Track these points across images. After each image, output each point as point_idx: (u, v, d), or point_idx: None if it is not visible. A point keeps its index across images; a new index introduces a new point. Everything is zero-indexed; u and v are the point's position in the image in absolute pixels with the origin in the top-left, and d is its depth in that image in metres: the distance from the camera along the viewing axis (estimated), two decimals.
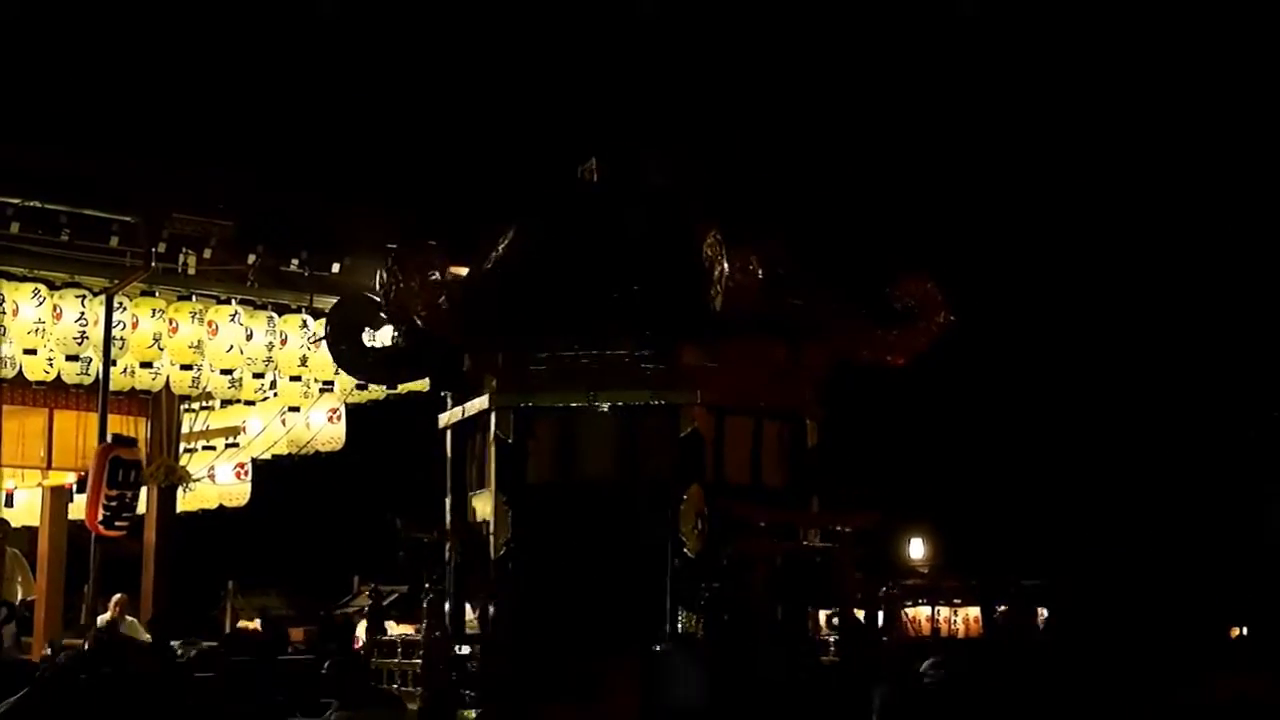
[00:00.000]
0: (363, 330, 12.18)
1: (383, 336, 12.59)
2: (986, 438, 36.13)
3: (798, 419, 11.70)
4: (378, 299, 11.51)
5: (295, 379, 19.45)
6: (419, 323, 11.25)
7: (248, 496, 22.21)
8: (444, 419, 12.09)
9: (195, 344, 18.32)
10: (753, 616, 10.88)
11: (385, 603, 21.00)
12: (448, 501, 11.90)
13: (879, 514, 11.77)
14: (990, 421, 36.49)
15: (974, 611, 29.88)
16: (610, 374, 11.12)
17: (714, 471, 11.08)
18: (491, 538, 11.11)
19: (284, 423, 20.89)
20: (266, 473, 22.28)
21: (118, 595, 18.71)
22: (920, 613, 30.35)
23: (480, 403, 11.40)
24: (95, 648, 14.90)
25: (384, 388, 19.22)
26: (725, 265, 10.45)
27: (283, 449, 21.38)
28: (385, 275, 11.17)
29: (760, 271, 10.49)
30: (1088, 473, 35.67)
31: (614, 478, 11.25)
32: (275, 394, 20.05)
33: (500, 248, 11.63)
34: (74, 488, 20.29)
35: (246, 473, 22.00)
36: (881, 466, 32.93)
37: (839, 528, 11.34)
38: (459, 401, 11.86)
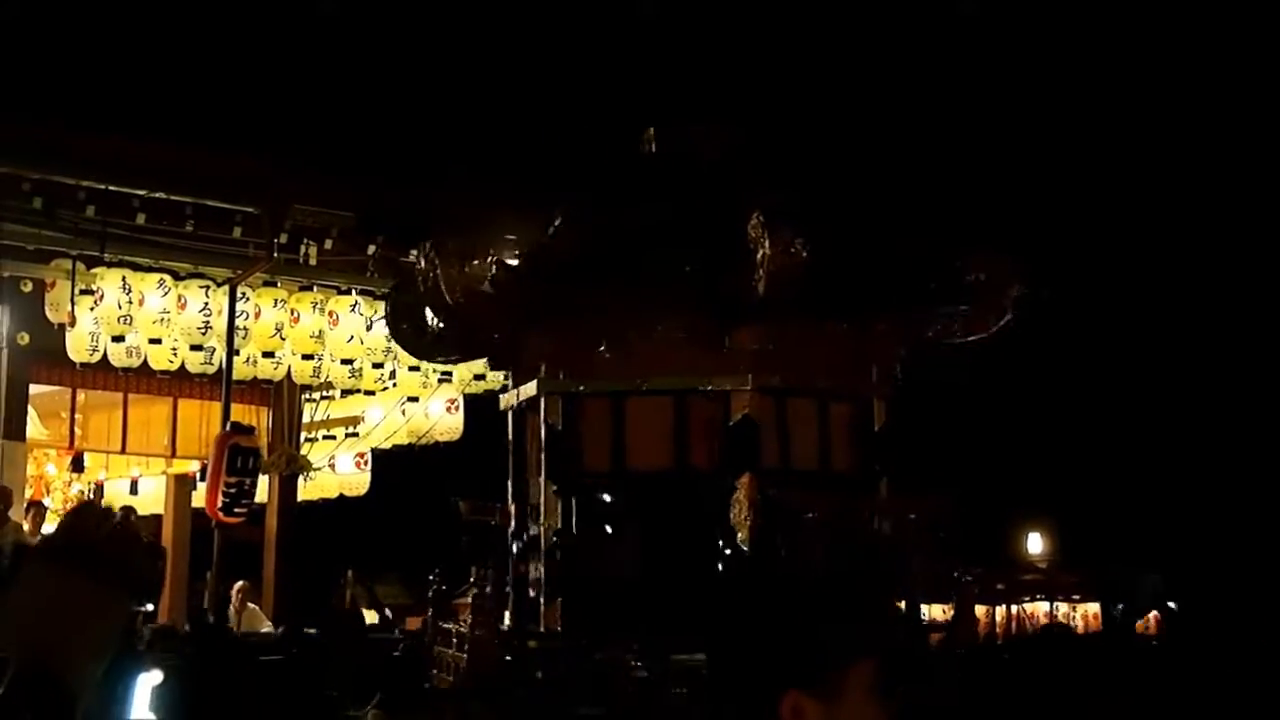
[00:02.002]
0: (424, 310, 12.05)
1: None
2: (1112, 426, 35.58)
3: (865, 400, 11.39)
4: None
5: (414, 369, 19.62)
6: (456, 308, 11.02)
7: (368, 485, 22.38)
8: (504, 401, 11.91)
9: (316, 334, 18.53)
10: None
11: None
12: (509, 485, 11.74)
13: (950, 498, 11.38)
14: (1115, 409, 35.92)
15: (1093, 608, 29.56)
16: (660, 359, 10.84)
17: (777, 457, 10.77)
18: (542, 526, 10.89)
19: (403, 413, 21.03)
20: (386, 462, 22.44)
21: (240, 582, 18.96)
22: (1038, 608, 30.09)
23: (531, 388, 11.20)
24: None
25: (501, 376, 19.32)
26: (768, 247, 10.16)
27: (402, 439, 21.53)
28: (422, 262, 10.99)
29: (805, 252, 10.17)
30: (1222, 465, 34.93)
31: (666, 466, 10.94)
32: (394, 384, 20.23)
33: (548, 230, 11.41)
34: (197, 475, 20.57)
35: (366, 462, 22.17)
36: (998, 458, 32.60)
37: (905, 513, 11.00)
38: (517, 384, 11.67)
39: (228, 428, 17.66)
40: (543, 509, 10.92)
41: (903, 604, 11.39)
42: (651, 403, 10.90)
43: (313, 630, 16.66)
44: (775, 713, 2.54)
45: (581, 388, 10.98)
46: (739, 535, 10.48)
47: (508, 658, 10.62)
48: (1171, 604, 27.47)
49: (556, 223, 11.34)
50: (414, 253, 18.48)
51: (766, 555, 10.24)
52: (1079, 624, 29.76)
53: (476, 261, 10.67)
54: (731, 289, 10.46)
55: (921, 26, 33.24)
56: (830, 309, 10.83)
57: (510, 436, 11.79)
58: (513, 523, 11.50)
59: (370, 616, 21.43)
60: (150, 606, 14.65)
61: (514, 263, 10.89)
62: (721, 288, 10.55)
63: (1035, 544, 35.19)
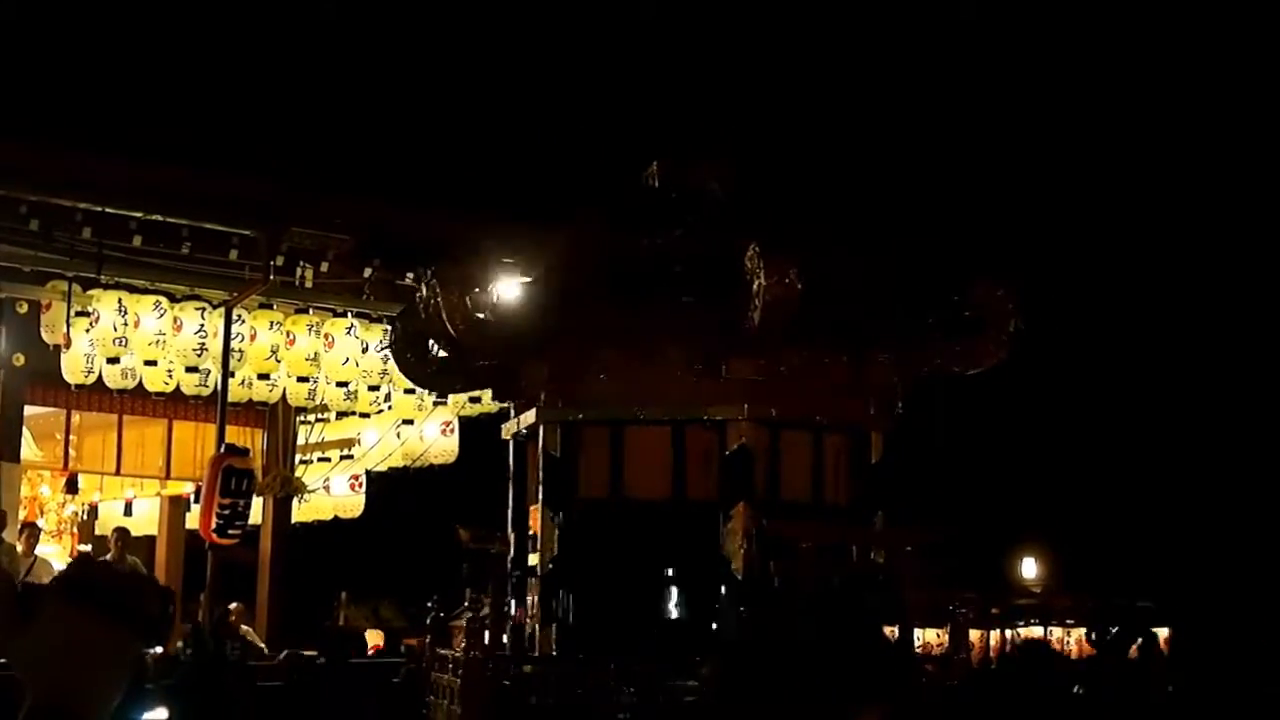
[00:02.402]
0: (428, 340, 12.08)
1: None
2: (1108, 450, 35.56)
3: (861, 432, 11.40)
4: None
5: (409, 392, 19.61)
6: (456, 337, 11.06)
7: (362, 508, 22.39)
8: (506, 430, 11.95)
9: (312, 356, 18.53)
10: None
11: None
12: (509, 514, 11.76)
13: (946, 531, 11.40)
14: (1111, 434, 35.91)
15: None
16: (659, 388, 10.87)
17: (769, 487, 10.79)
18: (538, 553, 10.91)
19: (398, 435, 21.04)
20: (381, 484, 22.44)
21: (234, 604, 18.94)
22: (1032, 633, 30.06)
23: (530, 416, 11.24)
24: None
25: (497, 401, 19.34)
26: (763, 277, 10.18)
27: (397, 461, 21.54)
28: (424, 290, 11.03)
29: (800, 283, 10.19)
30: (1218, 490, 34.90)
31: (662, 494, 10.97)
32: (390, 406, 20.21)
33: (547, 259, 11.46)
34: (191, 497, 20.56)
35: (361, 484, 22.18)
36: (996, 482, 32.63)
37: (900, 545, 11.01)
38: (518, 413, 11.71)
39: (222, 449, 17.65)
40: (540, 536, 10.94)
41: (896, 632, 11.44)
42: (649, 432, 10.92)
43: (312, 651, 16.66)
44: None
45: (580, 415, 11.00)
46: (733, 564, 10.49)
47: (505, 682, 10.65)
48: (1165, 630, 27.44)
49: (557, 251, 11.38)
50: (411, 276, 18.67)
51: (763, 588, 10.25)
52: (1073, 649, 29.76)
53: (477, 289, 10.70)
54: (728, 319, 10.46)
55: (920, 58, 33.34)
56: (827, 340, 10.85)
57: (511, 465, 11.80)
58: (512, 550, 11.52)
59: (373, 637, 21.44)
60: (160, 649, 14.63)
61: (515, 291, 10.93)
62: (719, 317, 10.56)
63: (1030, 568, 35.18)
